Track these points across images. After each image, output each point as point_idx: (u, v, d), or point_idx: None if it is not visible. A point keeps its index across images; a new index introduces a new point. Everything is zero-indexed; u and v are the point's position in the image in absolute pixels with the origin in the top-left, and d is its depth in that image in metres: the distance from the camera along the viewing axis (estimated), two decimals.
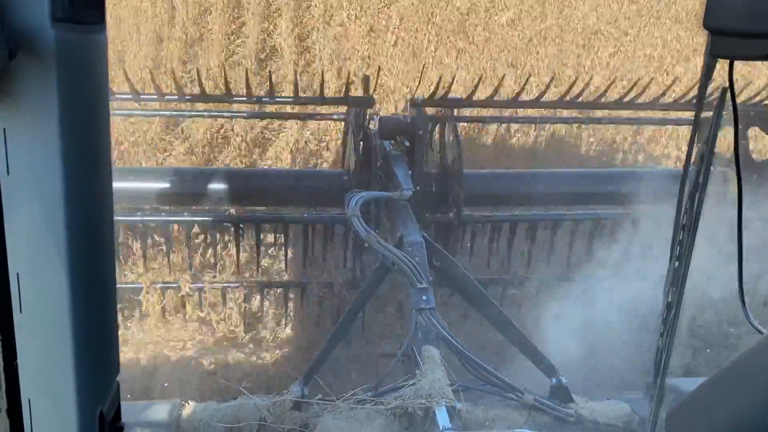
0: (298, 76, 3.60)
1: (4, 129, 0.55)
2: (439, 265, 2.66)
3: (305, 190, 3.31)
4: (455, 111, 3.27)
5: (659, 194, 2.80)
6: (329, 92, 4.87)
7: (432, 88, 3.25)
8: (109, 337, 0.64)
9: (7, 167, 0.56)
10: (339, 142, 4.72)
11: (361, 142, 3.19)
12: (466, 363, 2.23)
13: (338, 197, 3.07)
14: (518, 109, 3.97)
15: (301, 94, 3.34)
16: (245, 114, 3.59)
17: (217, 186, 3.18)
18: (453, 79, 3.20)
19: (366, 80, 3.24)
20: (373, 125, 3.25)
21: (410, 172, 3.02)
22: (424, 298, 2.37)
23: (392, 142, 3.20)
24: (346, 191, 2.95)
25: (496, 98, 3.25)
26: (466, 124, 4.56)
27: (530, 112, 4.23)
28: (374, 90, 3.33)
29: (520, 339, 2.44)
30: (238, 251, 3.37)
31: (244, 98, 3.31)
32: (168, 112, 3.71)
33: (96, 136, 0.56)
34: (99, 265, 0.61)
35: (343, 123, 3.38)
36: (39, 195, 0.56)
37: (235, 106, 3.41)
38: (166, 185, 3.14)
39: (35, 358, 0.61)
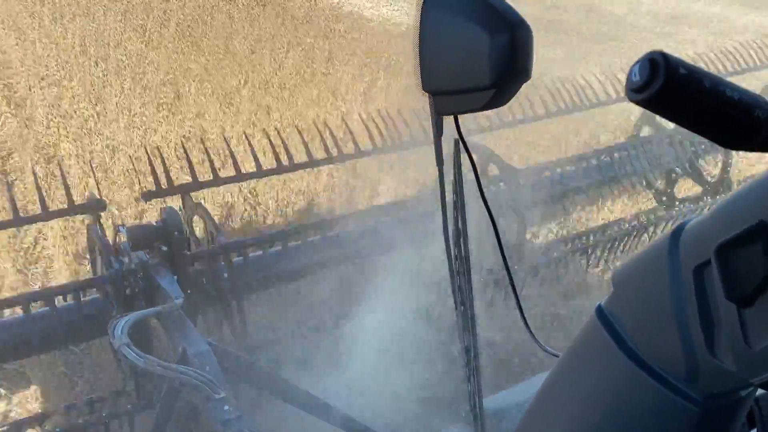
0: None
1: None
2: (233, 368, 2.49)
3: (64, 330, 2.86)
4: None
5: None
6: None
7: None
8: None
9: None
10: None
11: (111, 261, 2.89)
12: None
13: (102, 326, 2.72)
14: None
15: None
16: None
17: None
18: (163, 161, 3.08)
19: (91, 194, 2.96)
20: (121, 237, 2.97)
21: (176, 278, 2.81)
22: (227, 408, 2.19)
23: (147, 251, 2.95)
24: (108, 318, 2.63)
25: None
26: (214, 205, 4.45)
27: None
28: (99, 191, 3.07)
29: (336, 415, 2.38)
30: None
31: None
32: None
33: None
34: None
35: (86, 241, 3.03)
36: None
37: None
38: None
39: None
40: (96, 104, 6.51)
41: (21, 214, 2.89)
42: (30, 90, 6.90)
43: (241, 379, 2.53)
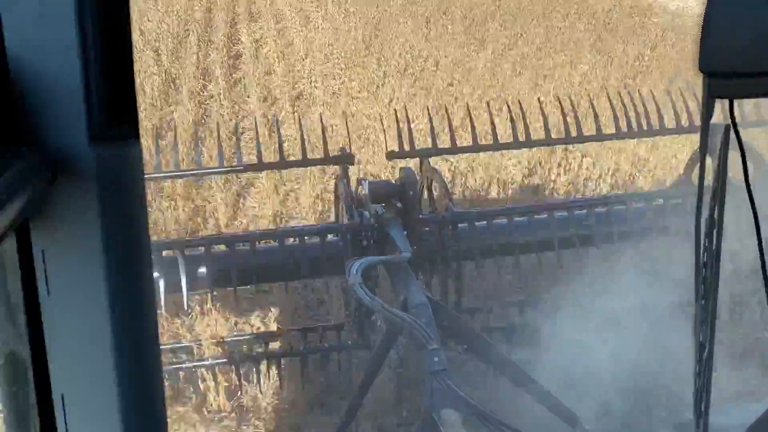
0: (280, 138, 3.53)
1: (43, 251, 0.54)
2: (447, 324, 2.63)
3: (307, 264, 3.26)
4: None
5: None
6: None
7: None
8: None
9: (48, 289, 0.55)
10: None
11: (354, 210, 3.20)
12: (487, 424, 2.18)
13: (337, 265, 3.05)
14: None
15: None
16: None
17: (205, 269, 3.11)
18: (408, 124, 3.26)
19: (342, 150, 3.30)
20: (362, 190, 3.27)
21: (405, 233, 3.02)
22: (436, 359, 2.33)
23: (383, 205, 3.21)
24: (343, 259, 2.94)
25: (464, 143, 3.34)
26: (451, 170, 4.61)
27: None
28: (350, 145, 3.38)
29: (539, 391, 2.40)
30: None
31: (221, 168, 3.35)
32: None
33: (136, 247, 0.55)
34: (146, 381, 0.59)
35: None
36: (83, 314, 0.55)
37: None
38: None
39: None
40: (373, 105, 6.23)
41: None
42: (311, 83, 6.95)
43: (452, 335, 2.67)
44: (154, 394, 0.59)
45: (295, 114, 6.18)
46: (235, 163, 3.73)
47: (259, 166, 3.46)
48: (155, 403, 0.59)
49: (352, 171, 3.43)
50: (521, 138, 3.34)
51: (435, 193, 3.34)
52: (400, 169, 3.26)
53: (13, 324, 0.57)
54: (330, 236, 3.30)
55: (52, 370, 0.57)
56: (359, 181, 3.37)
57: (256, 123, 3.96)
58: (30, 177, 0.48)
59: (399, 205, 3.13)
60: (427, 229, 3.21)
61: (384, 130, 4.21)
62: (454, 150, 3.37)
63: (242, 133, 6.03)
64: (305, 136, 3.39)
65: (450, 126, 3.39)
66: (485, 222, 3.29)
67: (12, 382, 0.62)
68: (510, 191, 4.96)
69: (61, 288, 0.55)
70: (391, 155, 3.27)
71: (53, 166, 0.50)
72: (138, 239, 0.55)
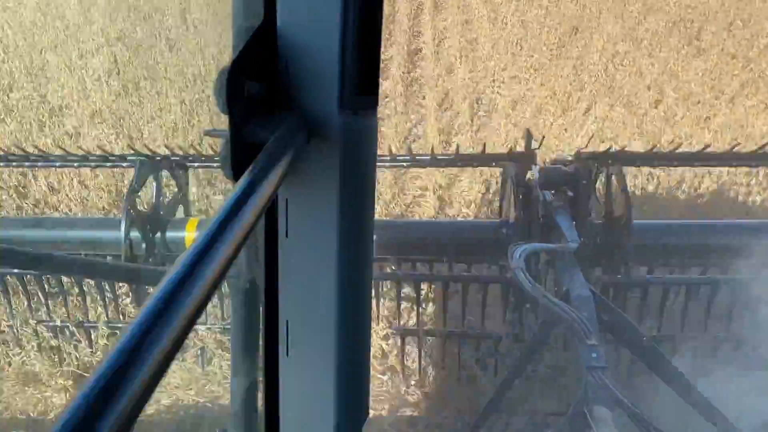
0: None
1: (287, 200, 0.64)
2: (609, 321, 2.55)
3: (464, 242, 3.32)
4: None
5: None
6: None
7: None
8: (362, 381, 0.71)
9: (287, 232, 0.65)
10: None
11: (521, 194, 3.18)
12: (641, 427, 2.11)
13: (497, 249, 3.06)
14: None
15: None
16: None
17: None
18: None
19: (528, 135, 3.25)
20: (532, 175, 3.22)
21: (574, 223, 2.95)
22: (595, 355, 2.28)
23: (553, 192, 3.15)
24: (505, 243, 2.94)
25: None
26: (634, 169, 4.37)
27: None
28: (540, 143, 3.28)
29: (703, 403, 2.27)
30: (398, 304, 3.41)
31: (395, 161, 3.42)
32: None
33: (364, 205, 0.64)
34: (360, 316, 0.68)
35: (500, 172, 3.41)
36: (313, 255, 0.65)
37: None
38: None
39: (296, 397, 0.70)
40: (562, 116, 5.44)
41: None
42: (494, 88, 6.33)
43: (615, 334, 2.58)
44: (363, 331, 0.68)
45: (473, 122, 5.73)
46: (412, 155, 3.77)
47: (439, 162, 3.47)
48: (363, 338, 0.69)
49: None
50: None
51: (614, 197, 3.20)
52: (576, 161, 3.17)
53: (256, 258, 0.69)
54: (493, 219, 3.32)
55: (280, 299, 0.68)
56: (530, 166, 3.32)
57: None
58: (292, 139, 0.58)
59: (570, 193, 3.06)
60: (596, 221, 3.12)
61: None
62: (654, 156, 3.21)
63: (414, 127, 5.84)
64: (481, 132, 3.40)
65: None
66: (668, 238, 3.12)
67: (245, 305, 0.75)
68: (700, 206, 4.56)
69: (297, 232, 0.65)
70: (579, 157, 3.18)
71: (309, 130, 0.60)
72: (366, 198, 0.64)
